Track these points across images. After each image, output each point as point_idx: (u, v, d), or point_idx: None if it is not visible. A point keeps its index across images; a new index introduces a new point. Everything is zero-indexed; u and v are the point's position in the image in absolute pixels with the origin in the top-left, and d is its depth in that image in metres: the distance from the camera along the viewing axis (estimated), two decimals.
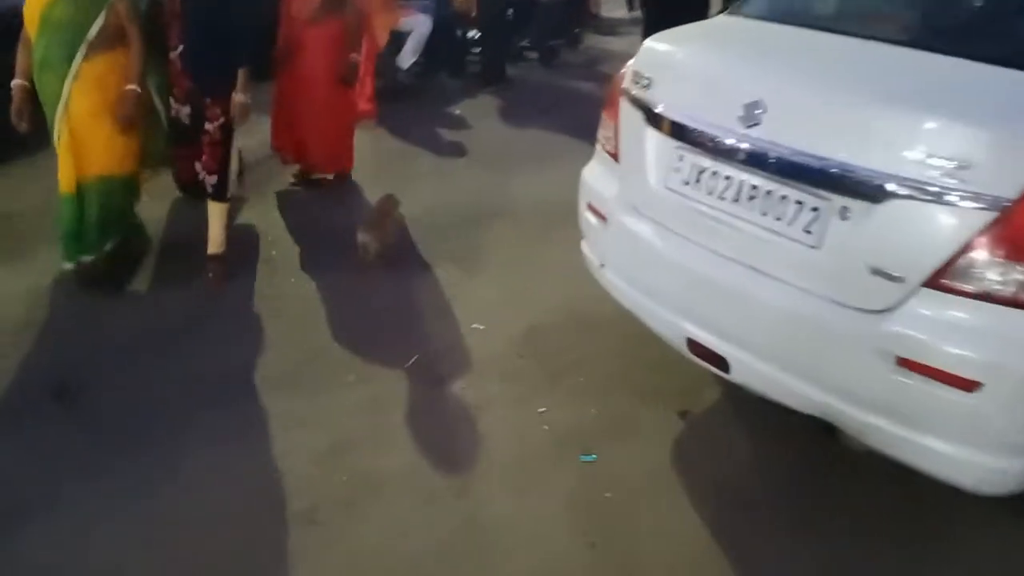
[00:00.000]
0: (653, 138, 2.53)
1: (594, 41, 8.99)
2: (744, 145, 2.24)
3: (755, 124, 2.20)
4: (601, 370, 3.13)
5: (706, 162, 2.36)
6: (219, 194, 3.74)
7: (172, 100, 3.72)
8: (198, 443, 2.74)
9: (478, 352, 3.26)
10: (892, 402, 2.03)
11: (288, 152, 4.80)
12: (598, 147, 2.93)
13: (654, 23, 5.87)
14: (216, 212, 3.78)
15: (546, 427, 2.83)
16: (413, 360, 3.20)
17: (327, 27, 4.44)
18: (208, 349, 3.28)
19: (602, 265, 2.82)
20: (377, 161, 5.34)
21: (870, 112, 2.06)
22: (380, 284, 3.79)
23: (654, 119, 2.51)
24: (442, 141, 5.79)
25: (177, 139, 3.82)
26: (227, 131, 3.67)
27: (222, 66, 3.56)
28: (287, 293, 3.72)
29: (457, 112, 6.41)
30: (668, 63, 2.57)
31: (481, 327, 3.43)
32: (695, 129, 2.37)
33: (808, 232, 2.13)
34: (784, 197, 2.18)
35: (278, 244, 4.19)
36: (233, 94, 3.57)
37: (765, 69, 2.33)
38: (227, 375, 3.10)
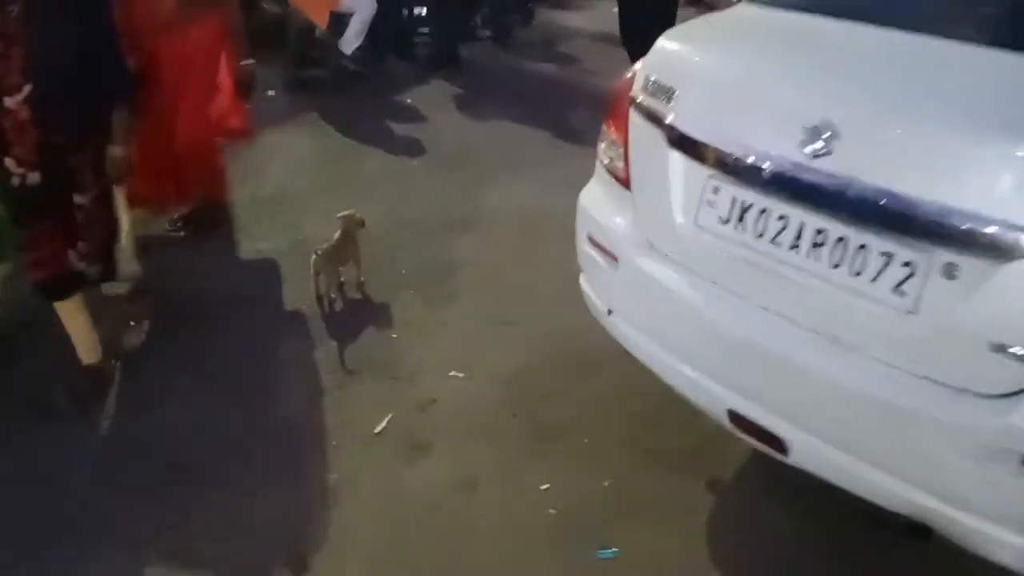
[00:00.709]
0: (678, 163, 2.03)
1: (548, 16, 8.40)
2: (808, 179, 1.75)
3: (824, 153, 1.72)
4: (607, 427, 2.66)
5: (752, 197, 1.88)
6: (108, 278, 2.80)
7: (12, 164, 2.51)
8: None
9: (460, 409, 2.75)
10: (1015, 510, 1.59)
11: (154, 199, 3.60)
12: (599, 167, 2.43)
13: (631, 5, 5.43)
14: (77, 314, 2.72)
15: (552, 511, 2.35)
16: (383, 425, 2.67)
17: (193, 31, 3.41)
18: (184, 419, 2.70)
19: (610, 312, 2.33)
20: (320, 163, 4.74)
21: (991, 141, 1.59)
22: (335, 328, 3.22)
23: (679, 140, 2.01)
24: (394, 137, 5.20)
25: (25, 219, 2.64)
26: (107, 199, 2.69)
27: (93, 105, 2.56)
28: (222, 364, 3.14)
29: (409, 102, 5.82)
30: (695, 69, 2.06)
31: (460, 375, 2.92)
32: (737, 156, 1.88)
33: (899, 293, 1.66)
34: (864, 247, 1.70)
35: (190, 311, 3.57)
36: (109, 146, 2.60)
37: (833, 79, 1.83)
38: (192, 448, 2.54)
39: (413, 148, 5.01)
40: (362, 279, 3.46)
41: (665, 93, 2.05)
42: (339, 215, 3.42)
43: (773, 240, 1.84)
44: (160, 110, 3.32)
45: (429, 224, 4.02)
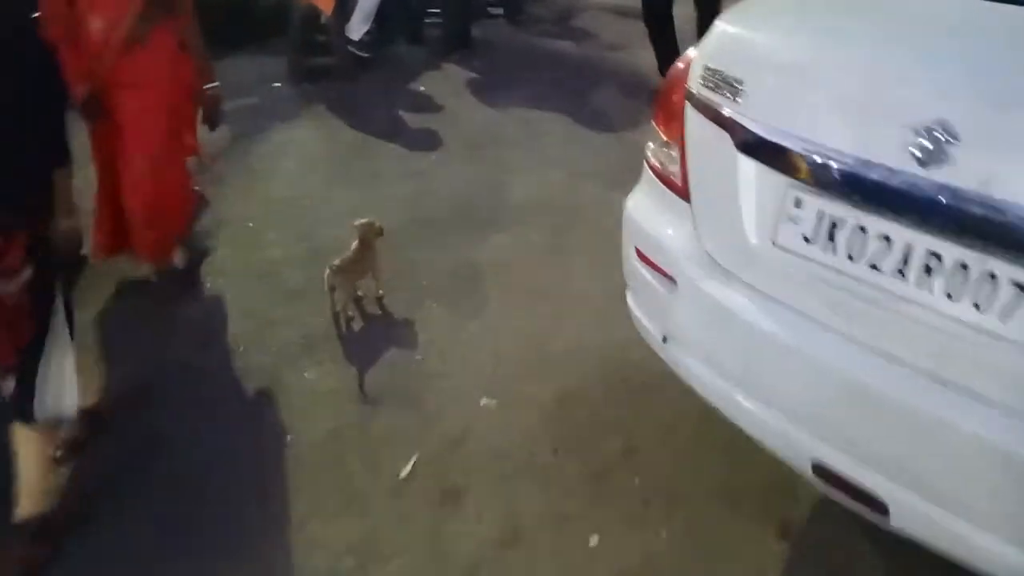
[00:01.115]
0: (750, 171, 1.70)
1: None
2: (918, 190, 1.43)
3: (939, 161, 1.39)
4: (660, 463, 2.36)
5: (845, 211, 1.55)
6: (25, 411, 2.07)
7: None
8: None
9: (494, 445, 2.46)
10: None
11: (120, 245, 3.21)
12: (648, 171, 2.10)
13: None
14: (28, 446, 2.09)
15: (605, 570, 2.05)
16: (409, 468, 2.38)
17: (153, 50, 2.91)
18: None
19: (666, 339, 2.02)
20: (332, 160, 4.44)
21: None
22: (353, 350, 2.94)
23: (751, 143, 1.68)
24: (409, 129, 4.88)
25: None
26: (44, 290, 2.08)
27: (27, 169, 2.01)
28: (231, 399, 2.86)
29: (422, 89, 5.49)
30: (767, 56, 1.72)
31: (493, 403, 2.63)
32: (824, 162, 1.55)
33: None
34: (992, 276, 1.38)
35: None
36: (53, 220, 2.08)
37: (949, 66, 1.49)
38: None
39: (430, 140, 4.68)
40: (381, 292, 3.17)
41: (730, 86, 1.72)
42: (356, 223, 3.12)
43: (872, 264, 1.52)
44: (117, 143, 2.98)
45: (452, 224, 3.71)
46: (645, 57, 5.58)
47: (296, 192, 4.03)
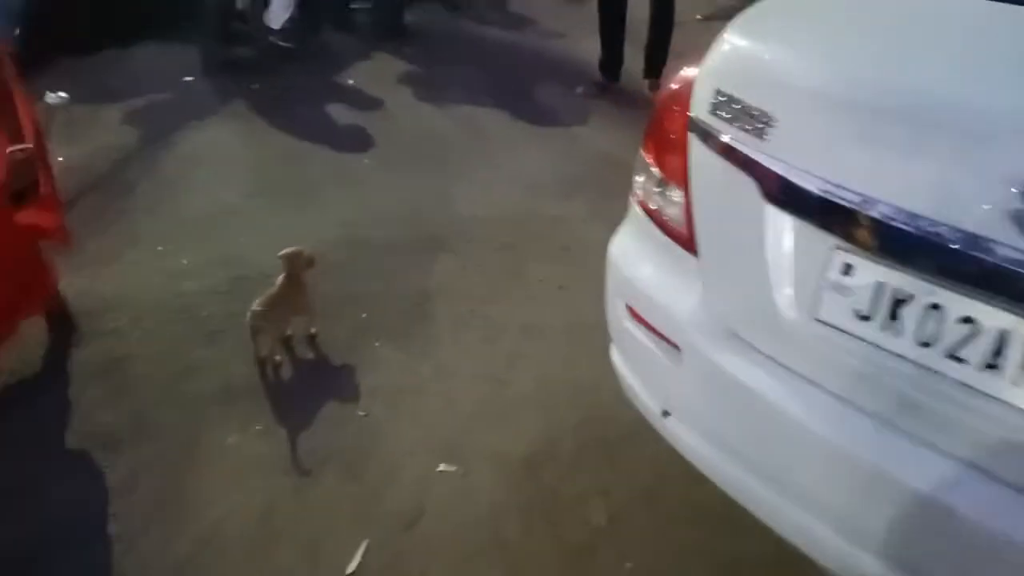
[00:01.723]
0: (783, 227, 1.37)
1: None
2: (1018, 265, 1.11)
3: None
4: (653, 540, 2.03)
5: (913, 285, 1.23)
6: None
7: None
8: None
9: (457, 523, 2.10)
10: None
11: None
12: (636, 211, 1.75)
13: None
14: None
15: None
16: (358, 560, 2.00)
17: None
18: None
19: (666, 413, 1.68)
20: (254, 167, 3.96)
21: None
22: (283, 405, 2.52)
23: (785, 194, 1.35)
24: (339, 128, 4.43)
25: None
26: None
27: None
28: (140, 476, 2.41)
29: (351, 83, 5.03)
30: (806, 85, 1.37)
31: (452, 468, 2.26)
32: (888, 222, 1.22)
33: None
34: None
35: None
36: None
37: None
38: None
39: (362, 141, 4.25)
40: (314, 330, 2.76)
41: (753, 119, 1.38)
42: (281, 253, 2.69)
43: (952, 354, 1.20)
44: None
45: (392, 243, 3.31)
46: (587, 46, 5.24)
47: (213, 207, 3.55)
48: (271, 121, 4.46)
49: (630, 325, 1.73)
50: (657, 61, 4.59)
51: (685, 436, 1.66)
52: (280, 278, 2.65)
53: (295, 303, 2.67)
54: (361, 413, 2.46)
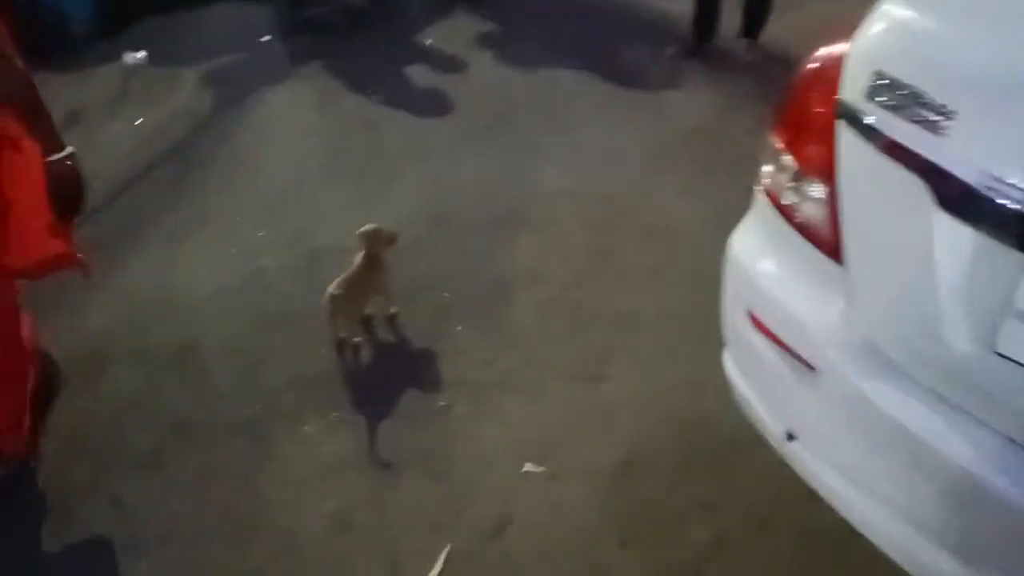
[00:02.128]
0: (960, 240, 1.14)
1: None
2: None
3: None
4: (764, 569, 1.84)
5: None
6: None
7: None
8: None
9: (542, 532, 1.95)
10: None
11: None
12: (764, 205, 1.53)
13: None
14: None
15: None
16: (439, 567, 1.87)
17: None
18: None
19: (791, 437, 1.48)
20: (329, 136, 3.83)
21: None
22: (362, 392, 2.41)
23: (966, 202, 1.11)
24: (417, 94, 4.25)
25: None
26: None
27: None
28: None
29: (430, 43, 4.82)
30: (995, 69, 1.12)
31: (540, 470, 2.11)
32: None
33: None
34: None
35: None
36: None
37: None
38: None
39: (441, 107, 4.06)
40: (394, 311, 2.63)
41: (927, 109, 1.14)
42: (360, 231, 2.55)
43: None
44: None
45: (472, 220, 3.14)
46: (679, 2, 4.91)
47: (288, 178, 3.44)
48: (347, 84, 4.31)
49: (752, 335, 1.52)
50: (757, 21, 4.23)
51: (813, 465, 1.46)
52: (358, 257, 2.52)
53: (374, 283, 2.54)
54: (442, 404, 2.32)
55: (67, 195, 1.88)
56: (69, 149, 1.87)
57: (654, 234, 3.03)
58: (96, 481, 2.13)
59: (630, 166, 3.48)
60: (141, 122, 3.89)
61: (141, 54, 4.53)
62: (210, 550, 1.93)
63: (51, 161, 1.85)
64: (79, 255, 2.07)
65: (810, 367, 1.38)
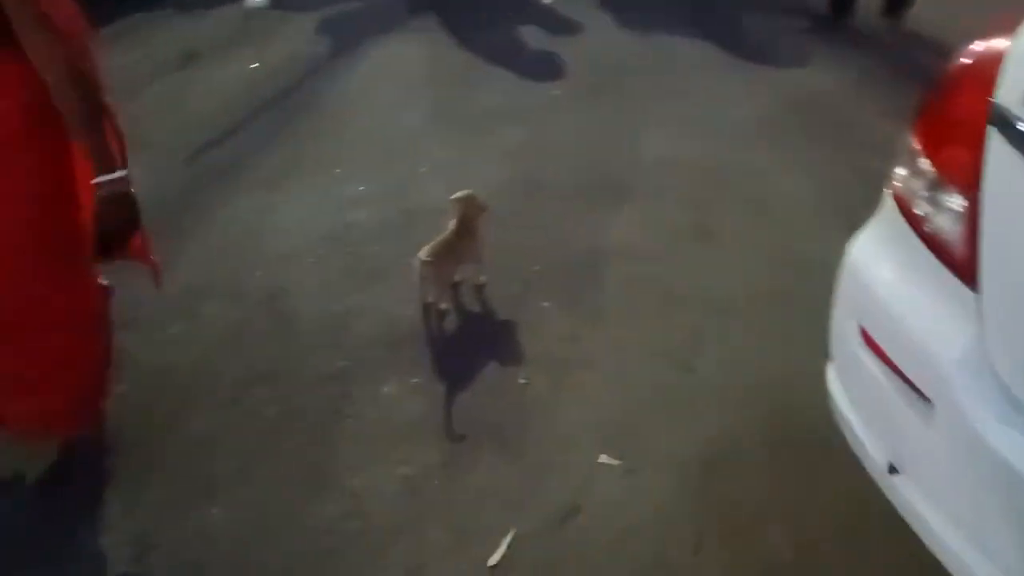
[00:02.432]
0: None
1: None
2: None
3: None
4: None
5: None
6: None
7: None
8: None
9: (614, 527, 1.87)
10: None
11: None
12: (893, 210, 1.39)
13: None
14: None
15: None
16: (502, 551, 1.83)
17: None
18: None
19: (894, 470, 1.36)
20: (435, 90, 3.78)
21: None
22: (443, 358, 2.38)
23: None
24: (528, 52, 4.15)
25: None
26: None
27: None
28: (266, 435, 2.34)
29: (547, 2, 4.69)
30: None
31: (615, 462, 2.03)
32: None
33: None
34: None
35: None
36: None
37: None
38: None
39: (550, 69, 3.96)
40: (483, 279, 2.58)
41: None
42: (453, 197, 2.51)
43: None
44: None
45: (571, 189, 3.05)
46: None
47: (393, 131, 3.43)
48: (459, 39, 4.25)
49: (862, 352, 1.39)
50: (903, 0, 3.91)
51: (914, 502, 1.33)
52: (452, 223, 2.47)
53: (466, 251, 2.50)
54: (522, 381, 2.27)
55: (112, 227, 1.62)
56: (122, 172, 1.61)
57: (758, 214, 2.89)
58: (178, 417, 2.17)
59: (740, 140, 3.32)
60: (256, 66, 3.94)
61: None
62: (280, 501, 1.95)
63: (99, 183, 1.58)
64: (152, 256, 1.97)
65: (926, 399, 1.25)
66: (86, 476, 2.02)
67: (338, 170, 3.18)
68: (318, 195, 3.03)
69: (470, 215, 2.48)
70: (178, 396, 2.24)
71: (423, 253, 2.36)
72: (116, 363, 2.12)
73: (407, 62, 4.04)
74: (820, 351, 1.63)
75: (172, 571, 1.81)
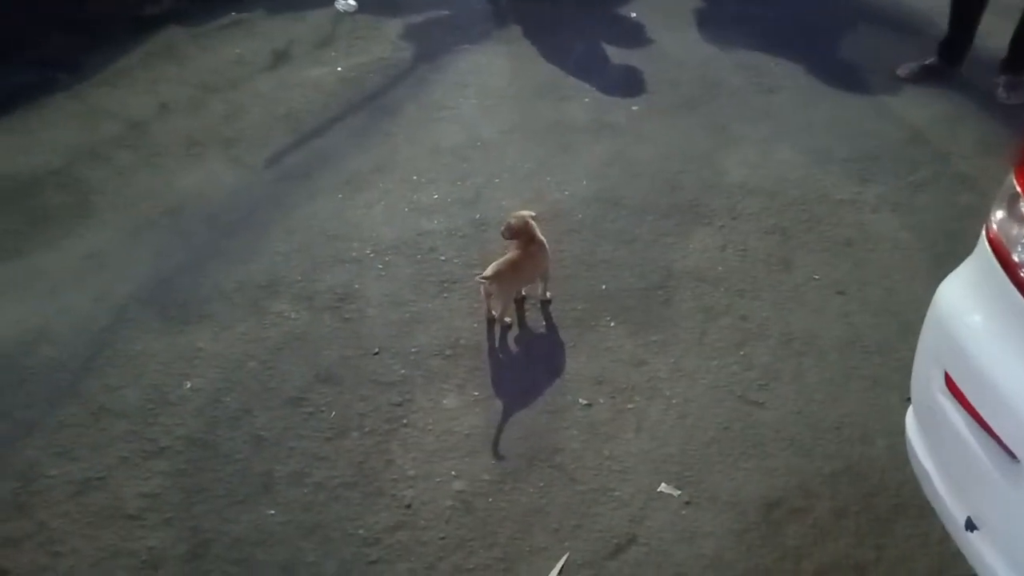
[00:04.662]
0: None
1: None
2: None
3: None
4: None
5: None
6: None
7: None
8: None
9: (669, 560, 1.82)
10: None
11: None
12: (988, 253, 1.30)
13: None
14: None
15: None
16: (556, 573, 1.79)
17: None
18: None
19: (973, 527, 1.27)
20: (517, 102, 3.76)
21: None
22: (504, 373, 2.36)
23: None
24: (610, 66, 4.10)
25: None
26: None
27: None
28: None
29: (633, 16, 4.63)
30: None
31: (675, 493, 1.97)
32: None
33: None
34: None
35: None
36: None
37: None
38: None
39: (633, 84, 3.90)
40: (549, 296, 2.55)
41: None
42: (514, 216, 2.46)
43: None
44: None
45: (646, 206, 2.99)
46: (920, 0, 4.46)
47: (470, 140, 3.42)
48: (542, 50, 4.23)
49: (945, 401, 1.31)
50: None
51: (994, 561, 1.24)
52: (517, 243, 2.45)
53: (535, 266, 2.47)
54: (583, 402, 2.23)
55: None
56: None
57: (844, 248, 2.77)
58: (242, 413, 2.20)
59: (829, 168, 3.20)
60: (342, 69, 4.00)
61: (352, 2, 4.66)
62: (334, 505, 1.95)
63: None
64: None
65: (1013, 456, 1.17)
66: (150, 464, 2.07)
67: (415, 177, 3.19)
68: (393, 201, 3.04)
69: (530, 233, 2.44)
70: (244, 393, 2.27)
71: (492, 266, 2.34)
72: (187, 357, 2.17)
73: (489, 72, 4.04)
74: (899, 399, 1.54)
75: (225, 569, 1.83)
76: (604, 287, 2.61)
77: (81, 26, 4.22)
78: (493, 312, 2.45)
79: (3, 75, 3.84)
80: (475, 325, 2.48)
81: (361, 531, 1.89)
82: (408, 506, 1.95)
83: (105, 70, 3.97)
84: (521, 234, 2.41)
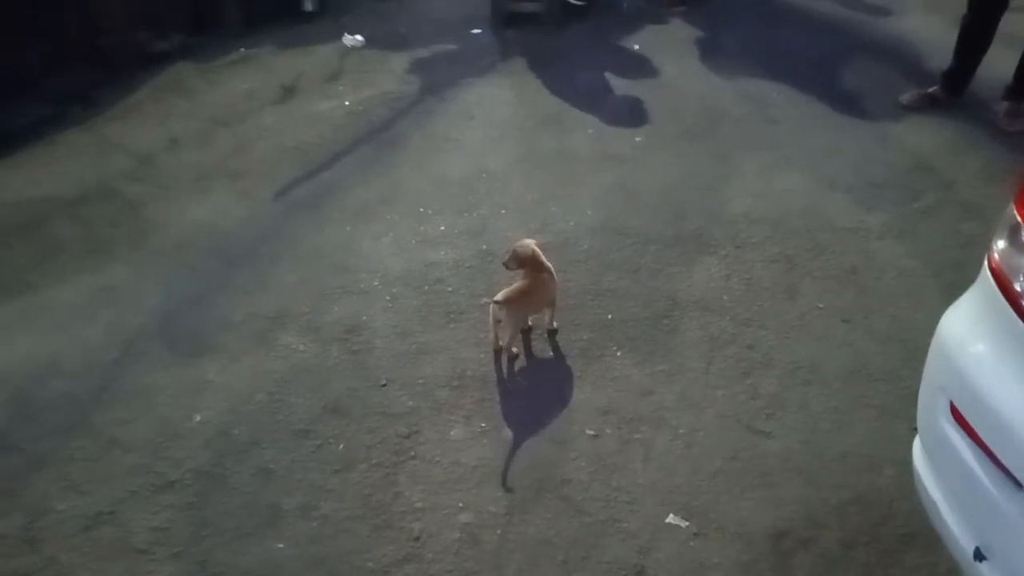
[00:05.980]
0: None
1: None
2: None
3: None
4: None
5: None
6: None
7: None
8: None
9: None
10: None
11: None
12: (990, 283, 1.31)
13: None
14: None
15: None
16: None
17: None
18: None
19: (981, 556, 1.27)
20: (521, 133, 3.80)
21: None
22: (510, 402, 2.36)
23: None
24: (614, 98, 4.15)
25: None
26: None
27: None
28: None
29: (636, 48, 4.70)
30: None
31: (683, 524, 1.96)
32: None
33: None
34: None
35: None
36: None
37: None
38: None
39: (637, 115, 3.94)
40: (555, 325, 2.56)
41: None
42: (519, 245, 2.48)
43: None
44: None
45: (651, 235, 3.01)
46: (921, 30, 4.51)
47: (476, 171, 3.46)
48: (547, 82, 4.29)
49: (951, 429, 1.32)
50: None
51: None
52: (524, 272, 2.47)
53: (541, 296, 2.48)
54: (590, 432, 2.23)
55: None
56: None
57: (849, 276, 2.78)
58: (250, 445, 2.21)
59: (833, 196, 3.22)
60: (350, 103, 4.06)
61: (359, 37, 4.74)
62: (342, 538, 1.96)
63: None
64: None
65: (1018, 485, 1.17)
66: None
67: (421, 209, 3.22)
68: (400, 232, 3.07)
69: (537, 262, 2.45)
70: (252, 425, 2.28)
71: (499, 296, 2.36)
72: (196, 389, 2.18)
73: (494, 104, 4.09)
74: (906, 428, 1.55)
75: None
76: (610, 316, 2.63)
77: (93, 62, 4.30)
78: (500, 341, 2.46)
79: (17, 110, 3.91)
80: (482, 356, 2.49)
81: (369, 564, 1.89)
82: (416, 538, 1.95)
83: (116, 105, 4.04)
84: (529, 263, 2.42)
